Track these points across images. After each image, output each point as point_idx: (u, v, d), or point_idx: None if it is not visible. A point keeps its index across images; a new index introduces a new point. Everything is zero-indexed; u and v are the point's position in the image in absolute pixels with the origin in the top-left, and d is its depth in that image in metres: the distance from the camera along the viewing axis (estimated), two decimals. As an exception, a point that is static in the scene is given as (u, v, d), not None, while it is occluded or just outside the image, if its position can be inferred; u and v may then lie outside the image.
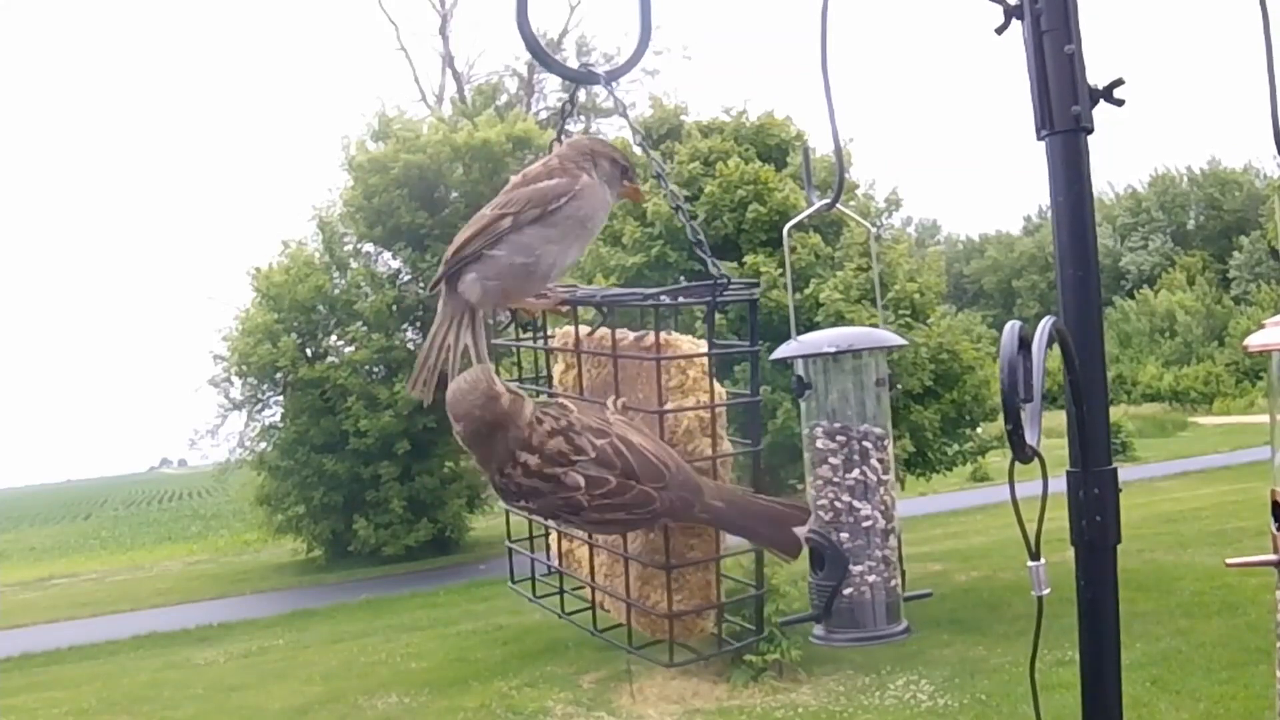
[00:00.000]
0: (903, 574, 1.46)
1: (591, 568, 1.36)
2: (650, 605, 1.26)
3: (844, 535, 1.42)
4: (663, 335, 1.25)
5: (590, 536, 1.34)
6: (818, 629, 1.44)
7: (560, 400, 1.25)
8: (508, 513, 1.58)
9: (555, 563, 1.45)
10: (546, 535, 1.49)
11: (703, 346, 1.26)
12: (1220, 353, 36.71)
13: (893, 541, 1.44)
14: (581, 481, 1.15)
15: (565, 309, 1.36)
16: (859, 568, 1.41)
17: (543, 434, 1.18)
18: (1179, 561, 11.12)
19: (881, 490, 1.43)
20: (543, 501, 1.19)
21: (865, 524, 1.42)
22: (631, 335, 1.29)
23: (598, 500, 1.14)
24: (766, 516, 1.19)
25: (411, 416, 17.16)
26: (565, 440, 1.16)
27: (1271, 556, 1.30)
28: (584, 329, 1.36)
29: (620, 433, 1.17)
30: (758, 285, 1.30)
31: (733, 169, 10.56)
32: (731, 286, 1.21)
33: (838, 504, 1.43)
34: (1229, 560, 1.39)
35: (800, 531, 1.21)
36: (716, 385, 1.27)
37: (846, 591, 1.41)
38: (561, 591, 1.45)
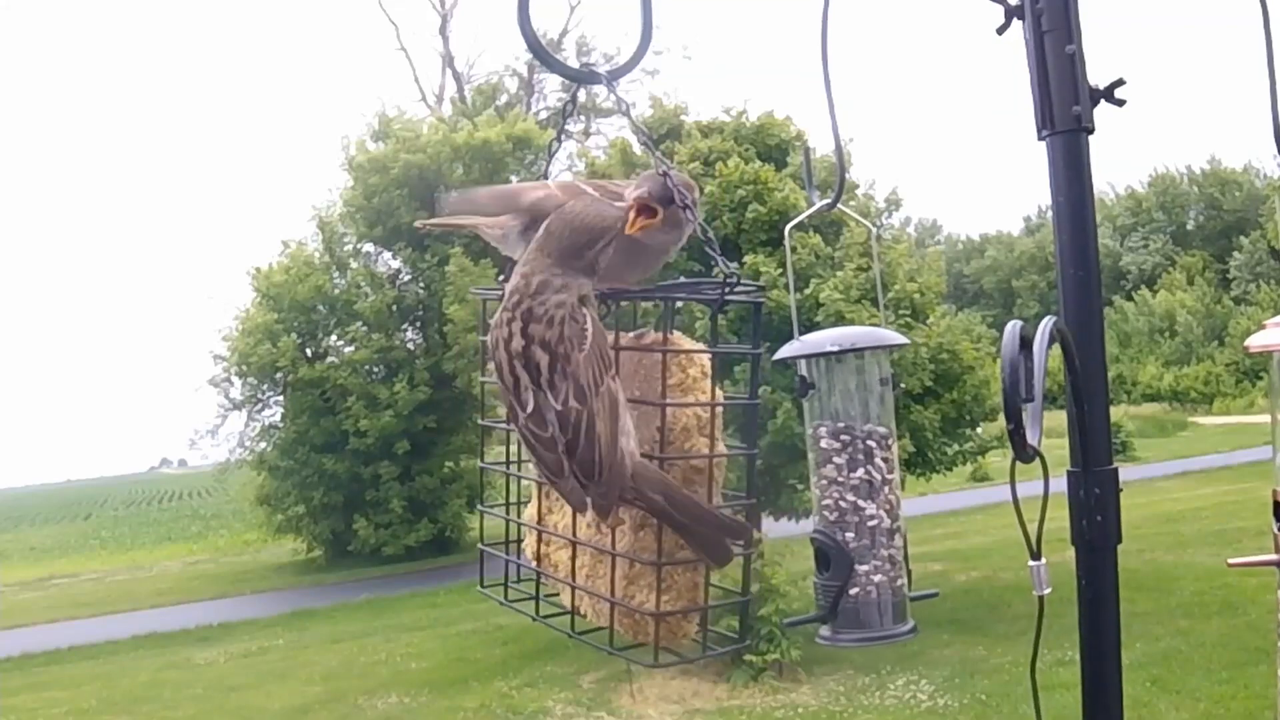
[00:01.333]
0: (909, 573, 1.46)
1: (572, 568, 1.34)
2: (635, 605, 1.24)
3: (849, 535, 1.42)
4: (663, 334, 1.25)
5: (573, 532, 1.33)
6: (824, 629, 1.44)
7: (584, 327, 1.16)
8: (482, 514, 1.59)
9: (532, 565, 1.43)
10: (520, 539, 1.48)
11: (701, 347, 1.26)
12: (1220, 353, 36.70)
13: (898, 541, 1.44)
14: (530, 407, 1.12)
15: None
16: (864, 567, 1.42)
17: (539, 330, 1.13)
18: (1179, 561, 11.12)
19: (886, 490, 1.43)
20: (502, 381, 1.15)
21: (870, 523, 1.42)
22: (629, 334, 1.29)
23: (528, 429, 1.13)
24: (709, 521, 1.17)
25: (411, 416, 17.17)
26: (550, 361, 1.12)
27: (1273, 556, 1.30)
28: None
29: (593, 410, 1.12)
30: (764, 287, 1.30)
31: (733, 169, 10.54)
32: (740, 286, 1.21)
33: (842, 504, 1.43)
34: (1231, 560, 1.40)
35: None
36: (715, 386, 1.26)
37: (852, 591, 1.41)
38: (538, 596, 1.44)
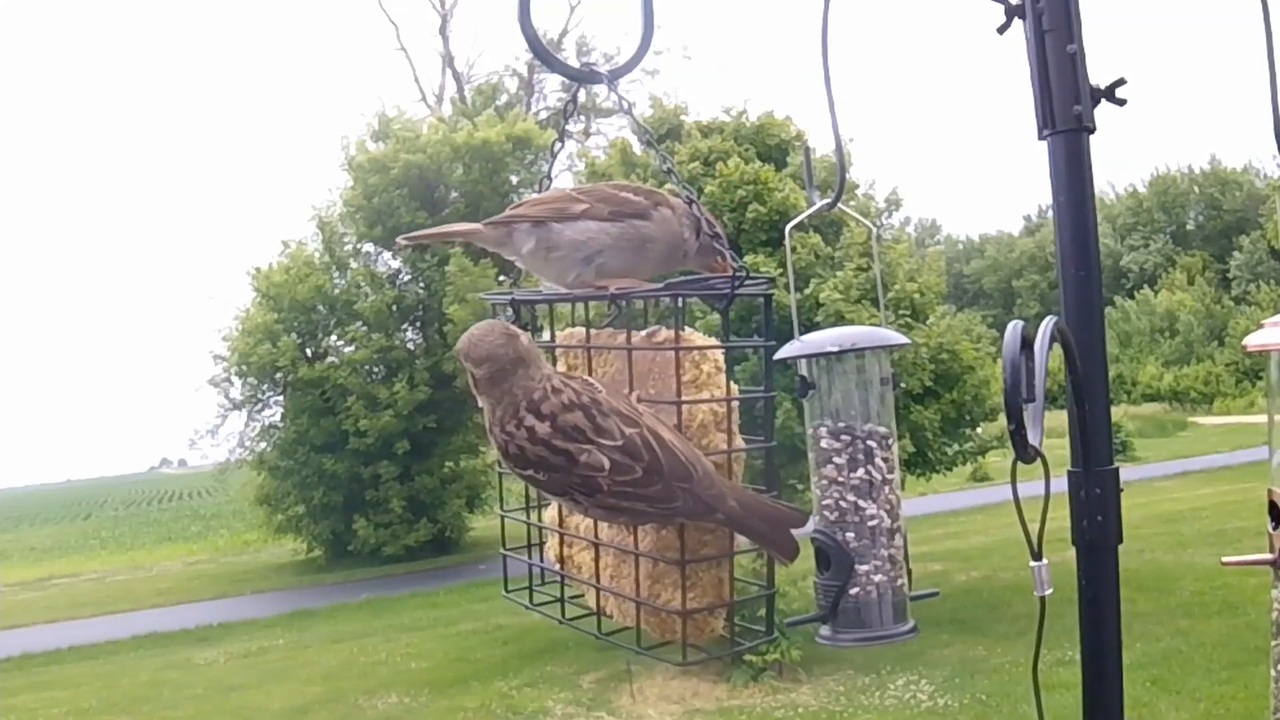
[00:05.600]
0: (909, 573, 1.46)
1: (596, 569, 1.34)
2: (661, 604, 1.24)
3: (850, 535, 1.42)
4: (675, 331, 1.25)
5: (595, 533, 1.33)
6: (824, 629, 1.44)
7: (586, 379, 1.21)
8: (503, 518, 1.58)
9: (555, 567, 1.43)
10: (543, 542, 1.48)
11: (714, 342, 1.26)
12: (1220, 353, 36.70)
13: (898, 540, 1.44)
14: (606, 464, 1.12)
15: (587, 299, 1.36)
16: (865, 567, 1.41)
17: (557, 404, 1.14)
18: (1179, 561, 11.12)
19: (886, 489, 1.43)
20: (555, 477, 1.15)
21: (871, 523, 1.42)
22: (641, 333, 1.29)
23: (619, 486, 1.11)
24: (770, 517, 1.18)
25: (411, 416, 17.17)
26: (585, 417, 1.13)
27: (1268, 555, 1.30)
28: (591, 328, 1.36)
29: (650, 425, 1.14)
30: (774, 280, 1.30)
31: (733, 169, 10.55)
32: (748, 281, 1.21)
33: (843, 504, 1.43)
34: (1225, 559, 1.40)
35: (796, 534, 1.20)
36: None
37: (853, 591, 1.41)
38: (563, 599, 1.44)
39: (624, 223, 1.33)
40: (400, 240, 1.54)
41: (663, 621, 1.25)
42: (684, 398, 1.22)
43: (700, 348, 1.25)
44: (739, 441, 1.26)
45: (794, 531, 1.21)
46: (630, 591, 1.28)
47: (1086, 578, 1.23)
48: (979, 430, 11.79)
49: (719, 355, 1.25)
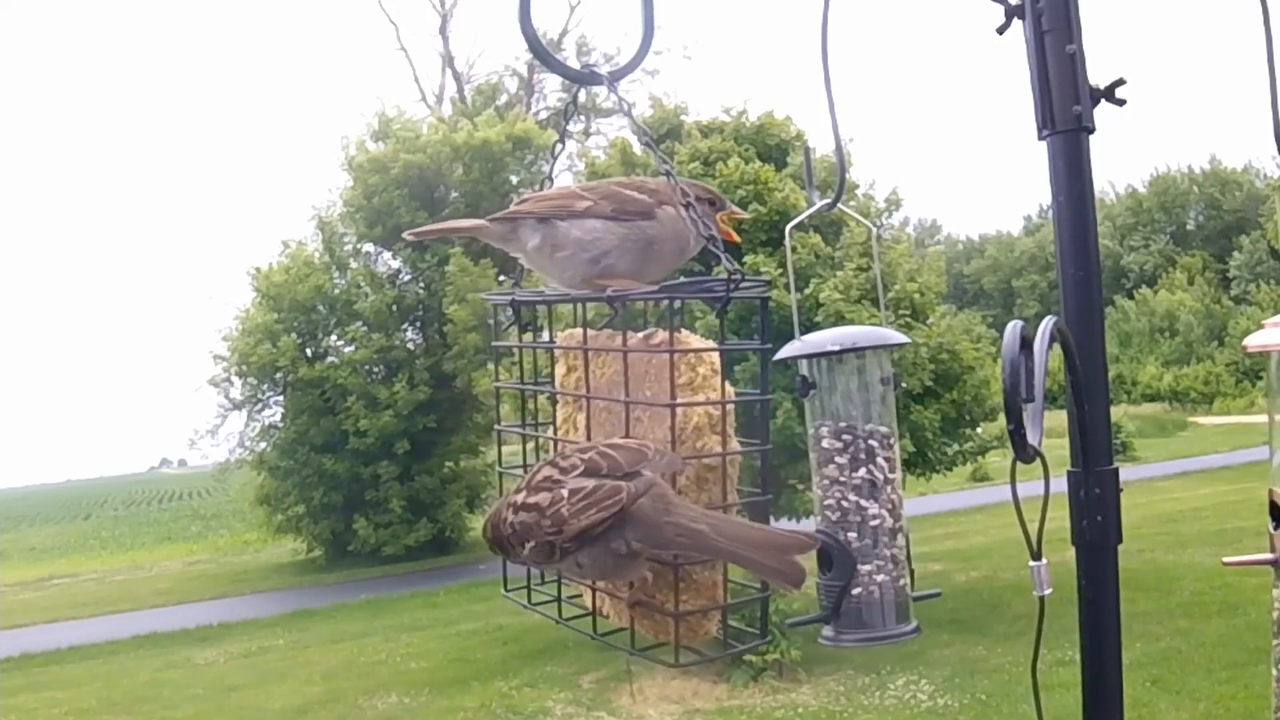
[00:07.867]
0: (911, 573, 1.45)
1: None
2: (655, 605, 1.25)
3: (852, 535, 1.42)
4: (669, 333, 1.25)
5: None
6: (826, 630, 1.44)
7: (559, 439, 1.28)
8: None
9: None
10: None
11: (710, 345, 1.26)
12: (1220, 353, 36.70)
13: (900, 540, 1.44)
14: (565, 494, 1.15)
15: (591, 300, 1.36)
16: (867, 567, 1.41)
17: (528, 479, 1.21)
18: (1179, 561, 11.13)
19: (888, 489, 1.43)
20: (537, 538, 1.18)
21: (873, 523, 1.42)
22: (638, 334, 1.29)
23: (577, 505, 1.14)
24: (766, 544, 1.13)
25: (411, 416, 17.18)
26: (551, 466, 1.19)
27: (1268, 555, 1.30)
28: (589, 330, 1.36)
29: (604, 443, 1.20)
30: (770, 283, 1.30)
31: (733, 169, 10.55)
32: (744, 283, 1.21)
33: (845, 503, 1.42)
34: (1226, 559, 1.40)
35: (803, 560, 1.17)
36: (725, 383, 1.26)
37: (855, 591, 1.41)
38: (560, 598, 1.44)
39: (630, 223, 1.32)
40: (405, 235, 1.54)
41: (656, 623, 1.26)
42: (679, 400, 1.22)
43: (696, 350, 1.25)
44: (734, 444, 1.26)
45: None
46: (625, 593, 1.28)
47: (1086, 578, 1.23)
48: (979, 430, 11.78)
49: (715, 358, 1.25)
